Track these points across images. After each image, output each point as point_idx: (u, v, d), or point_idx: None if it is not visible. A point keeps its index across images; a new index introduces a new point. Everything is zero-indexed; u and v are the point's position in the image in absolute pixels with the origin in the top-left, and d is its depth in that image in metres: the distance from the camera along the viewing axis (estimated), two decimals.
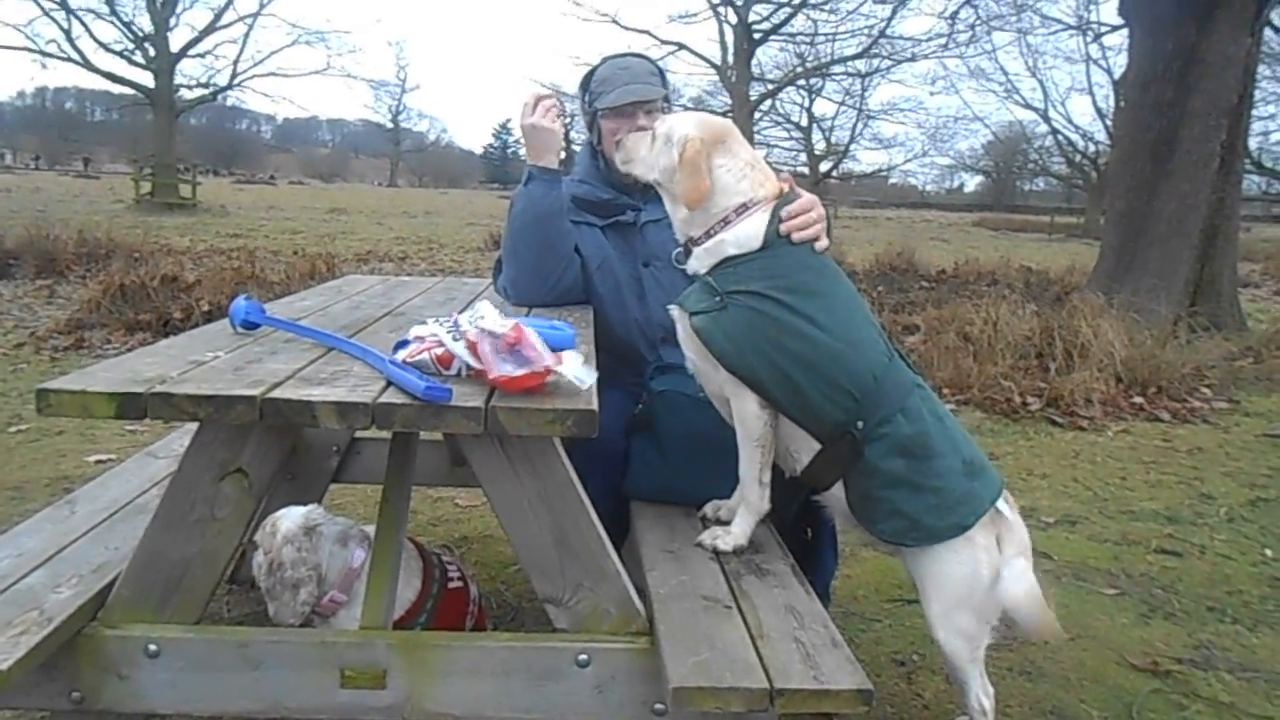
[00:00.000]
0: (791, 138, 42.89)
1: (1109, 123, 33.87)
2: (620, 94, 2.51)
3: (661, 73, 2.61)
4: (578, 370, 1.47)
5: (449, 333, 1.55)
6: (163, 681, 1.63)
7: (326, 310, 2.30)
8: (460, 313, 1.62)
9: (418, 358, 1.55)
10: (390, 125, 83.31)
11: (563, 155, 2.58)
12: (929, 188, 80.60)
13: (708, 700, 1.46)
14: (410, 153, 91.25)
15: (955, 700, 2.34)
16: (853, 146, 42.93)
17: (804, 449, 1.96)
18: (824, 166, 42.83)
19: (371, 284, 2.94)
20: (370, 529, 2.03)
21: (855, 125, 41.03)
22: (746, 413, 1.93)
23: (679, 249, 2.06)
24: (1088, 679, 2.54)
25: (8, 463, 4.00)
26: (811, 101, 40.70)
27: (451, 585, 2.16)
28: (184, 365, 1.56)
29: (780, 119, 41.17)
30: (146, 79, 28.32)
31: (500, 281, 2.61)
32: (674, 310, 2.03)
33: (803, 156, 42.62)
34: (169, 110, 28.57)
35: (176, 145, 29.14)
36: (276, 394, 1.40)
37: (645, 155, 2.07)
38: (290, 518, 1.93)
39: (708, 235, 1.96)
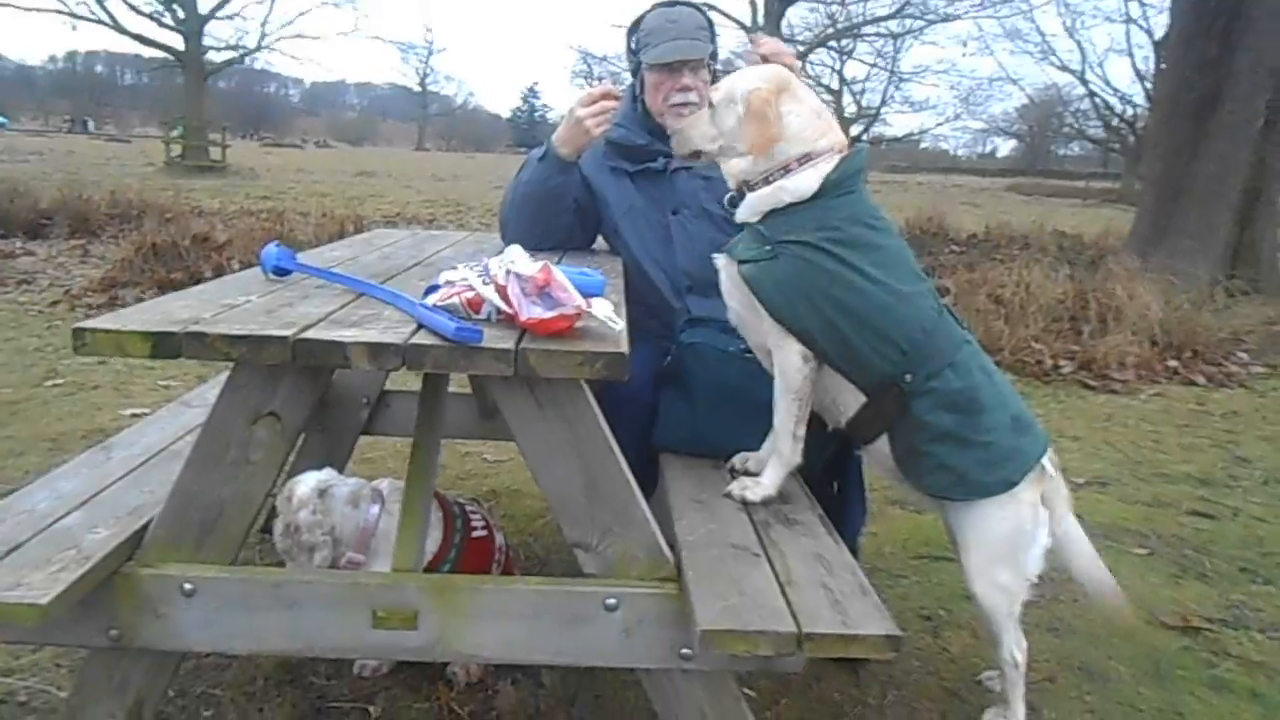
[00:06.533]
0: (823, 101, 42.30)
1: (1148, 85, 33.11)
2: (665, 50, 2.47)
3: (710, 24, 2.55)
4: (609, 313, 1.46)
5: (479, 276, 1.54)
6: (198, 620, 1.65)
7: (357, 259, 2.31)
8: (490, 258, 1.61)
9: (448, 301, 1.55)
10: (418, 89, 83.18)
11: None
12: (960, 152, 79.49)
13: (736, 644, 1.47)
14: (438, 116, 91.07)
15: (983, 654, 2.34)
16: (884, 110, 42.33)
17: (850, 402, 1.95)
18: (854, 130, 42.26)
19: (401, 237, 2.94)
20: (383, 485, 2.05)
21: (886, 88, 40.44)
22: (788, 365, 1.91)
23: (730, 193, 2.03)
24: (1117, 636, 2.53)
25: (44, 415, 4.07)
26: (842, 64, 40.10)
27: (475, 534, 2.17)
28: (217, 308, 1.57)
29: (811, 81, 40.55)
30: (176, 41, 28.33)
31: (501, 216, 2.71)
32: (719, 259, 2.01)
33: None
34: (198, 73, 28.62)
35: (206, 108, 29.19)
36: (309, 334, 1.40)
37: (705, 129, 2.03)
38: (304, 482, 1.94)
39: (765, 182, 1.93)
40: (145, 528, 1.72)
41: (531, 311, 1.41)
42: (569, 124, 2.43)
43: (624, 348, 1.43)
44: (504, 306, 1.47)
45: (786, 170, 1.91)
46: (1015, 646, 2.01)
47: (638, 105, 2.60)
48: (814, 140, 1.92)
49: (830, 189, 1.89)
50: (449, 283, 1.60)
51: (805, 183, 1.89)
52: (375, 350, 1.38)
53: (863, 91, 42.50)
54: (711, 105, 2.02)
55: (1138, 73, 35.46)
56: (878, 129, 45.44)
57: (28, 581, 1.49)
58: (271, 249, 1.89)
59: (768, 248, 1.88)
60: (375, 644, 1.69)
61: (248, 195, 17.01)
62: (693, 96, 2.47)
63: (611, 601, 1.65)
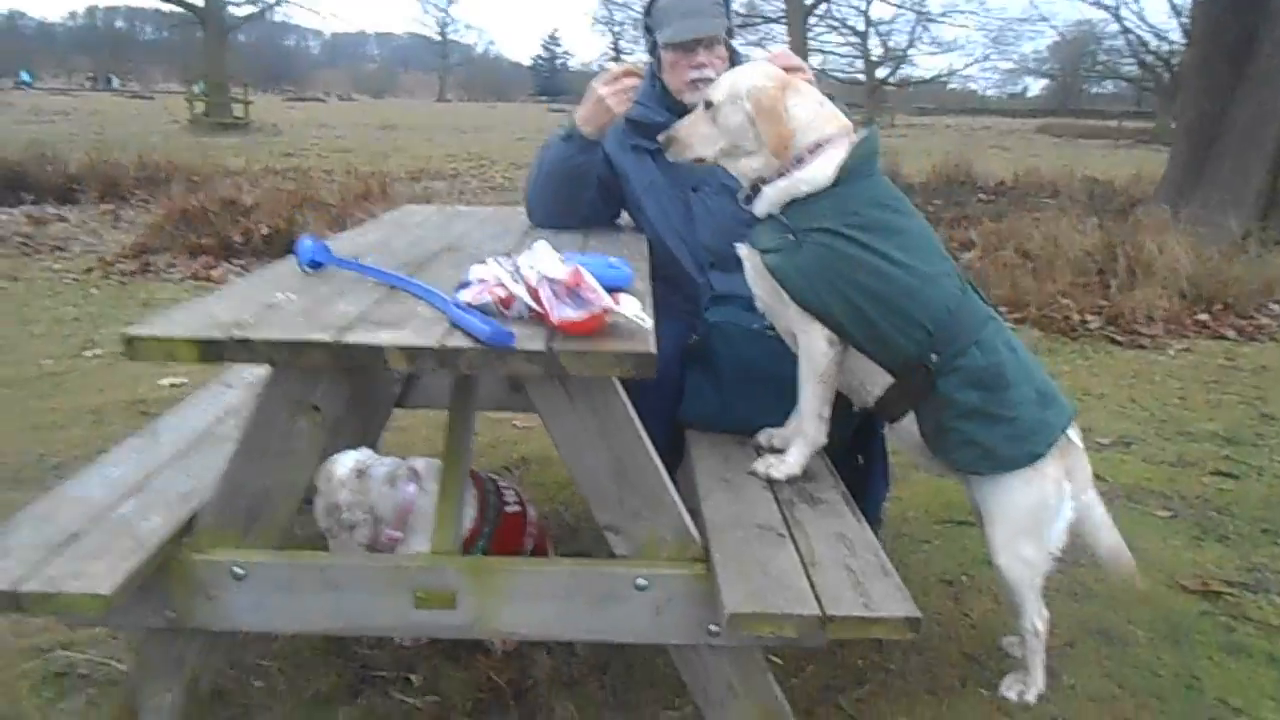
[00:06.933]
0: (848, 43, 41.50)
1: (1185, 20, 32.20)
2: (678, 29, 2.47)
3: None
4: (637, 310, 1.50)
5: (510, 274, 1.59)
6: (248, 602, 1.74)
7: (388, 245, 2.36)
8: (519, 255, 1.65)
9: (480, 299, 1.59)
10: (438, 38, 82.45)
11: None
12: (990, 92, 77.80)
13: (762, 626, 1.53)
14: (458, 66, 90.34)
15: (1004, 619, 2.40)
16: (911, 51, 41.47)
17: (876, 382, 1.99)
18: (880, 73, 41.53)
19: (428, 215, 2.98)
20: (418, 463, 2.11)
21: (914, 29, 39.58)
22: (814, 349, 1.95)
23: (743, 192, 2.05)
24: (1136, 600, 2.57)
25: (86, 386, 4.18)
26: (869, 4, 39.23)
27: (509, 509, 2.23)
28: (257, 308, 1.63)
29: (836, 23, 39.78)
30: None
31: (525, 189, 2.76)
32: (741, 249, 2.04)
33: (859, 63, 41.32)
34: (218, 29, 28.55)
35: (227, 63, 29.15)
36: (348, 338, 1.46)
37: (705, 132, 2.03)
38: (342, 463, 2.01)
39: (779, 176, 1.95)
40: (195, 513, 1.80)
41: (563, 313, 1.46)
42: (591, 102, 2.44)
43: (651, 347, 1.48)
44: (535, 306, 1.52)
45: (800, 161, 1.93)
46: (1037, 616, 2.07)
47: (656, 83, 2.61)
48: (822, 128, 1.94)
49: (847, 175, 1.91)
50: (480, 280, 1.65)
51: (821, 172, 1.91)
52: (411, 354, 1.44)
53: (890, 33, 41.59)
54: (709, 105, 2.03)
55: (1174, 7, 34.45)
56: (905, 71, 44.61)
57: (90, 572, 1.58)
58: (306, 243, 1.94)
59: (790, 236, 1.90)
60: (417, 623, 1.77)
61: (271, 153, 17.08)
62: (709, 73, 2.47)
63: (642, 582, 1.72)
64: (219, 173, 11.28)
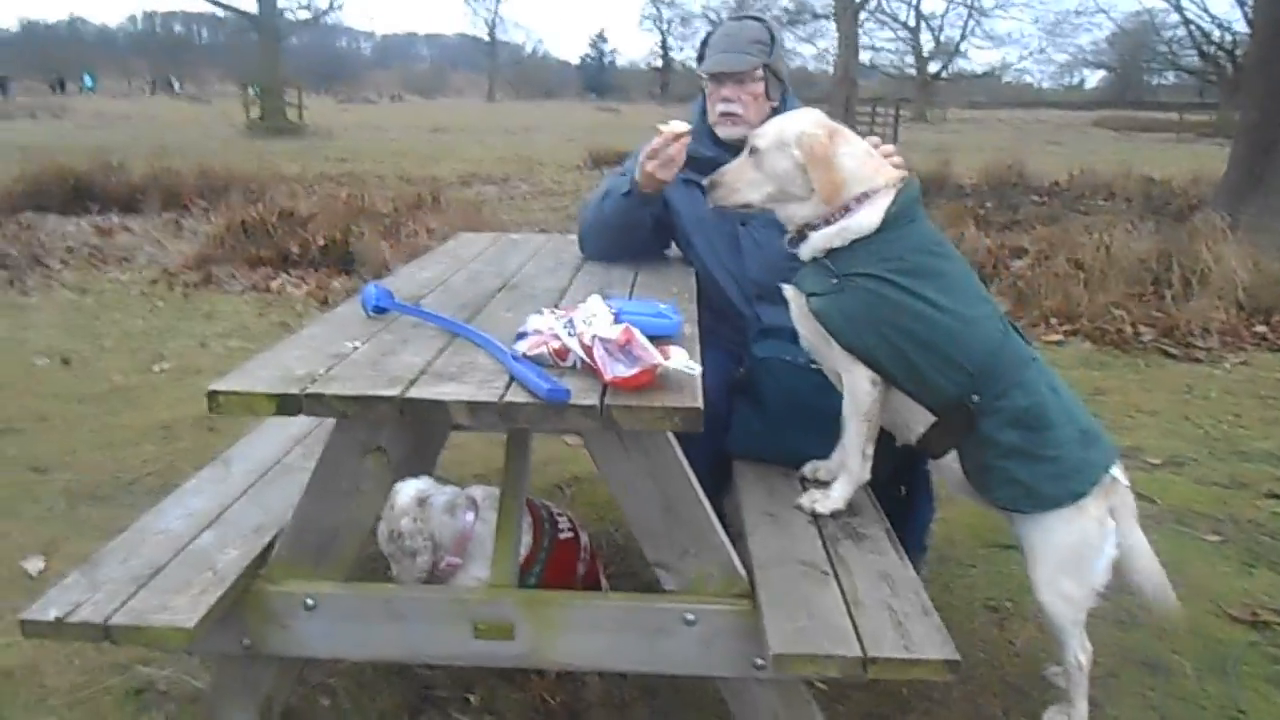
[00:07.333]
0: (898, 38, 41.13)
1: (1248, 10, 31.35)
2: (711, 62, 2.59)
3: (773, 39, 2.60)
4: (685, 363, 1.58)
5: (565, 328, 1.67)
6: (320, 631, 1.85)
7: (446, 284, 2.46)
8: (574, 311, 1.74)
9: (536, 351, 1.68)
10: (487, 39, 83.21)
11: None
12: (1046, 84, 76.46)
13: (806, 666, 1.60)
14: (507, 66, 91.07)
15: (1048, 648, 2.42)
16: (964, 45, 40.95)
17: (919, 420, 2.04)
18: (932, 68, 41.04)
19: (483, 246, 3.08)
20: (477, 492, 2.21)
21: (966, 22, 39.08)
22: (858, 389, 2.00)
23: (789, 236, 2.10)
24: (1183, 629, 2.58)
25: (155, 402, 4.36)
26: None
27: (562, 536, 2.32)
28: (327, 359, 1.73)
29: (887, 18, 39.44)
30: (249, 4, 28.89)
31: (580, 224, 2.88)
32: (787, 290, 2.10)
33: (910, 59, 40.88)
34: (272, 33, 29.14)
35: (281, 67, 29.75)
36: (413, 393, 1.55)
37: (751, 177, 2.07)
38: (405, 492, 2.10)
39: (826, 223, 2.00)
40: (269, 545, 1.92)
41: (616, 370, 1.54)
42: (641, 171, 2.52)
43: (699, 402, 1.55)
44: (588, 361, 1.60)
45: (847, 210, 1.98)
46: (1080, 650, 2.10)
47: (705, 117, 2.68)
48: (871, 178, 1.99)
49: (892, 222, 1.96)
50: (536, 330, 1.73)
51: (868, 219, 1.96)
52: (474, 408, 1.53)
53: (941, 27, 41.14)
54: (755, 151, 2.07)
55: None
56: (958, 64, 44.06)
57: (173, 605, 1.70)
58: (371, 290, 2.05)
59: (834, 280, 1.96)
60: (476, 653, 1.86)
61: (326, 158, 17.43)
62: (735, 108, 2.56)
63: (690, 617, 1.80)
64: (276, 180, 11.59)
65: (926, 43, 41.48)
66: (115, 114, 31.31)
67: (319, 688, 2.29)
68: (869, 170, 2.00)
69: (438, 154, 19.53)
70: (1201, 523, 3.27)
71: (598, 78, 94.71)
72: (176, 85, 68.20)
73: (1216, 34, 36.43)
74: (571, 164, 17.41)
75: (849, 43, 32.71)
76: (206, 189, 10.46)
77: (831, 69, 36.25)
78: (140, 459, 3.67)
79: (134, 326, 5.73)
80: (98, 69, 73.24)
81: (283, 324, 5.83)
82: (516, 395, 1.56)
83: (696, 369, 1.63)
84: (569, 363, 1.66)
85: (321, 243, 7.34)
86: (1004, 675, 2.41)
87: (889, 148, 2.17)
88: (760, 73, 2.56)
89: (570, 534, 2.36)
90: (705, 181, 2.19)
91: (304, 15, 31.89)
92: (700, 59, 2.67)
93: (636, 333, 1.56)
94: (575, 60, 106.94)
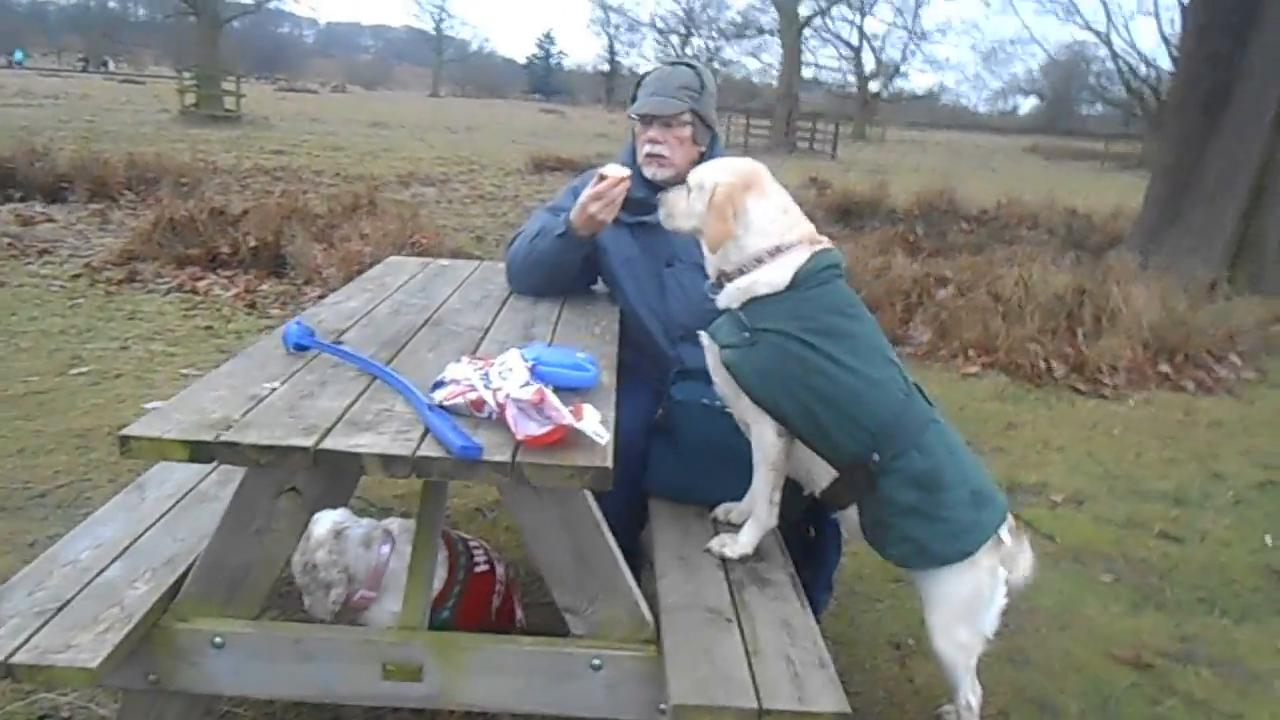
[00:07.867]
0: (841, 57, 41.87)
1: (1173, 49, 32.61)
2: (640, 104, 2.67)
3: (702, 86, 2.67)
4: (595, 426, 1.63)
5: (481, 380, 1.71)
6: (227, 668, 1.85)
7: (371, 316, 2.47)
8: (491, 366, 1.78)
9: (453, 401, 1.71)
10: (433, 32, 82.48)
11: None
12: (982, 108, 78.44)
13: (704, 716, 1.66)
14: (453, 62, 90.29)
15: (944, 688, 2.52)
16: (904, 67, 41.86)
17: (822, 474, 2.12)
18: (874, 86, 41.83)
19: (412, 272, 3.10)
20: (393, 524, 2.23)
21: (906, 46, 39.95)
22: (765, 440, 2.08)
23: (710, 282, 2.17)
24: (1072, 669, 2.72)
25: (72, 407, 4.25)
26: (863, 18, 39.58)
27: (478, 570, 2.35)
28: (244, 402, 1.75)
29: (830, 37, 40.11)
30: None
31: (509, 258, 2.88)
32: (704, 339, 2.16)
33: (852, 77, 41.63)
34: (212, 19, 28.49)
35: (219, 52, 29.08)
36: (327, 443, 1.58)
37: (684, 207, 2.18)
38: (321, 524, 2.11)
39: (740, 273, 2.08)
40: (179, 579, 1.91)
41: (528, 429, 1.58)
42: (581, 212, 2.56)
43: (608, 462, 1.60)
44: (502, 417, 1.64)
45: (759, 262, 2.05)
46: (971, 693, 2.20)
47: (635, 157, 2.74)
48: (782, 234, 2.07)
49: (804, 281, 2.03)
50: (454, 380, 1.77)
51: (777, 275, 2.04)
52: (388, 461, 1.56)
53: (883, 47, 41.99)
54: (689, 187, 2.17)
55: (1163, 35, 34.98)
56: (898, 84, 44.99)
57: (77, 643, 1.69)
58: (292, 327, 2.05)
59: (747, 334, 2.03)
60: (385, 694, 1.89)
61: (261, 149, 17.11)
62: (662, 149, 2.64)
63: (596, 662, 1.85)
64: (208, 172, 11.35)
65: (869, 62, 42.29)
66: (43, 91, 30.27)
67: (225, 717, 2.28)
68: (779, 227, 2.07)
69: (377, 149, 19.31)
70: (1097, 562, 3.43)
71: (544, 78, 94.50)
72: (111, 65, 66.15)
73: (1143, 69, 37.84)
74: (513, 168, 17.36)
75: (792, 58, 33.17)
76: (136, 179, 10.20)
77: (775, 83, 36.72)
78: (53, 469, 3.60)
79: (52, 325, 5.57)
80: (29, 44, 70.76)
81: (208, 328, 5.74)
82: (431, 449, 1.59)
83: (605, 436, 1.67)
84: (484, 414, 1.70)
85: (253, 244, 7.21)
86: (902, 713, 2.50)
87: None
88: (687, 117, 2.63)
89: (486, 566, 2.39)
90: (659, 195, 2.30)
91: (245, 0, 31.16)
92: (633, 99, 2.73)
93: (549, 393, 1.61)
94: (522, 60, 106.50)
